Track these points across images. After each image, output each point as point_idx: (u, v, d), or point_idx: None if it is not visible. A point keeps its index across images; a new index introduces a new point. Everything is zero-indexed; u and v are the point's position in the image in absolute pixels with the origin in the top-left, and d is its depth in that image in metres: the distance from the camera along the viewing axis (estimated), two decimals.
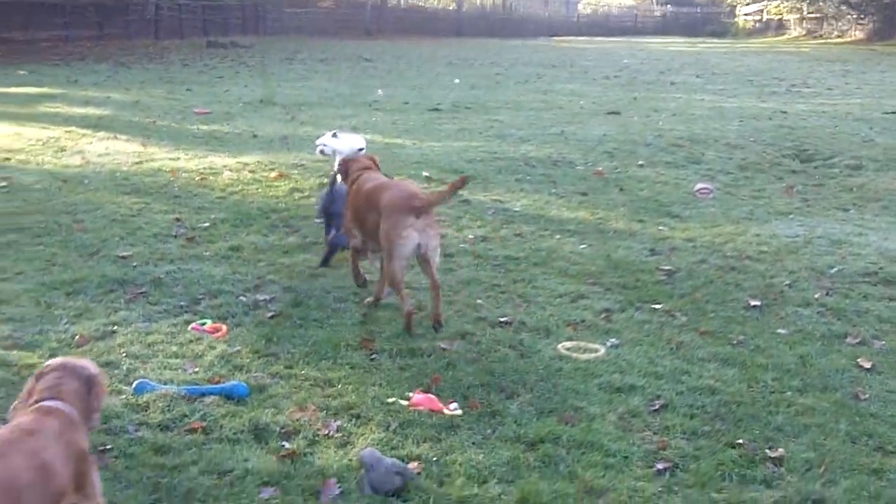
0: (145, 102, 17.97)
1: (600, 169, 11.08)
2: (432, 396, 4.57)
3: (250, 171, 10.37)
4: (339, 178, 7.02)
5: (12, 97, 18.65)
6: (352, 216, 6.25)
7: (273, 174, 10.22)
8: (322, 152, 8.48)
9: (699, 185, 10.14)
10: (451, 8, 75.51)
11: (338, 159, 7.89)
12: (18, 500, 2.91)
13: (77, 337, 5.40)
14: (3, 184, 9.68)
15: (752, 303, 6.29)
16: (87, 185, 9.72)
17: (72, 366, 3.31)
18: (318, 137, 8.85)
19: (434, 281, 5.68)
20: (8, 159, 11.18)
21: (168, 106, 17.33)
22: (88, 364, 3.38)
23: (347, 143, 8.33)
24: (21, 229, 7.87)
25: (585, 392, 4.77)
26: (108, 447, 4.10)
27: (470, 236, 7.96)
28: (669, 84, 24.40)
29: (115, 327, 5.60)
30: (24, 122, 14.55)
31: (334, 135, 8.43)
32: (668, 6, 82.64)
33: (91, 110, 16.34)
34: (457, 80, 24.43)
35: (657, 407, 4.64)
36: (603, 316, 6.00)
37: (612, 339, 5.55)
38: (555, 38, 62.92)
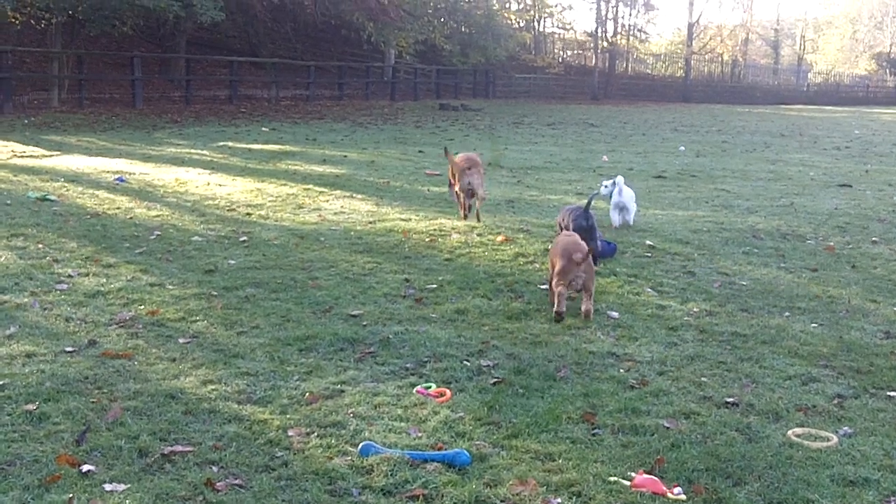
0: (380, 162, 18.61)
1: (831, 244, 10.68)
2: (655, 478, 4.48)
3: (477, 235, 10.54)
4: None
5: (255, 153, 19.67)
6: (451, 176, 11.51)
7: (499, 238, 10.36)
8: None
9: None
10: (678, 75, 75.15)
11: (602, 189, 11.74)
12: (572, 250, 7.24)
13: (307, 394, 5.58)
14: (244, 238, 10.19)
15: None
16: (322, 242, 10.12)
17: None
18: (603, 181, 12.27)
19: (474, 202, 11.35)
20: (249, 214, 11.78)
21: (401, 166, 17.88)
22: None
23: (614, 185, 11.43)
24: (259, 284, 8.25)
25: (817, 484, 4.55)
26: None
27: (695, 309, 7.81)
28: None
29: (344, 386, 5.75)
30: (266, 178, 15.30)
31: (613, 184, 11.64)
32: None
33: (328, 169, 17.04)
34: (682, 147, 24.16)
35: (892, 503, 4.40)
36: (835, 402, 5.74)
37: (846, 428, 5.30)
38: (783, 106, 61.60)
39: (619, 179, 11.41)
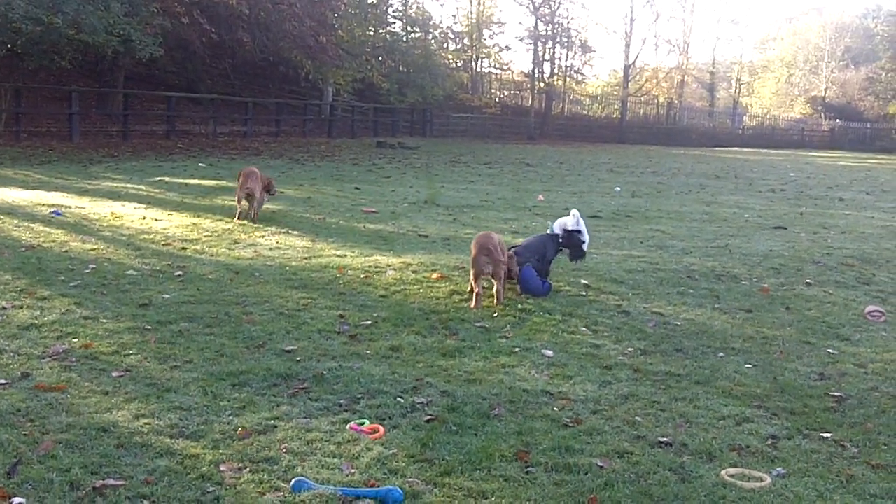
0: (316, 199, 18.55)
1: (766, 286, 10.82)
2: None
3: (413, 272, 10.54)
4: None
5: (192, 188, 19.53)
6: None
7: (434, 275, 10.37)
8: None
9: (870, 308, 9.79)
10: (614, 117, 76.04)
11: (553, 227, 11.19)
12: (499, 248, 9.03)
13: (240, 430, 5.52)
14: (179, 273, 10.10)
15: None
16: (257, 277, 10.06)
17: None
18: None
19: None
20: (185, 249, 11.67)
21: (338, 203, 17.86)
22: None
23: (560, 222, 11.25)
24: (193, 318, 8.17)
25: None
26: None
27: (629, 348, 7.86)
28: (838, 200, 23.82)
29: (277, 422, 5.70)
30: (202, 213, 15.18)
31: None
32: (837, 121, 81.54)
33: (265, 204, 16.92)
34: (618, 188, 24.41)
35: None
36: (769, 442, 5.80)
37: (779, 469, 5.35)
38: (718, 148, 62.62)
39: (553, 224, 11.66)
